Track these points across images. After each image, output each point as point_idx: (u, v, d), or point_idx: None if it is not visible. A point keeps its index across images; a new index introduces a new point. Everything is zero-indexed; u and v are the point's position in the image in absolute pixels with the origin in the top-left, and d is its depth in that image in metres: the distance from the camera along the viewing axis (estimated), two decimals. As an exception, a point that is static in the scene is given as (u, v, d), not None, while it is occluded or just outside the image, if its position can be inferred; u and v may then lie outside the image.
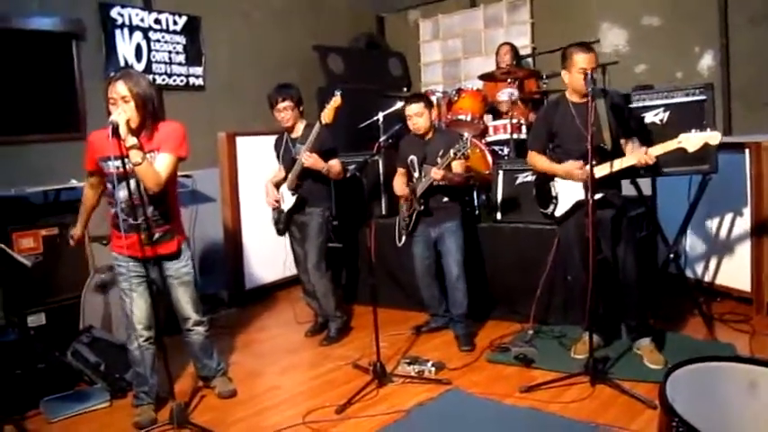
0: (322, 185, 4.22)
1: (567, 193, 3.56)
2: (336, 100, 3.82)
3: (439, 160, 3.82)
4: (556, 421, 3.00)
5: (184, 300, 3.34)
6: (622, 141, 3.51)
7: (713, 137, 3.15)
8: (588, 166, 3.21)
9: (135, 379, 3.36)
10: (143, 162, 2.89)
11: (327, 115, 3.84)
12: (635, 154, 3.35)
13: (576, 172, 3.43)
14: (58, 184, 4.40)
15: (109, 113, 2.88)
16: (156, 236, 3.12)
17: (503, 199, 4.62)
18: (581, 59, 3.34)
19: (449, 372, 3.68)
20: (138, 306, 3.15)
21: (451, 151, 3.68)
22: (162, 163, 3.01)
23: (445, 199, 4.02)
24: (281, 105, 4.09)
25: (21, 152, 4.51)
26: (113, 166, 2.91)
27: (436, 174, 3.78)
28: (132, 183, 2.92)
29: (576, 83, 3.37)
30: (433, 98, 5.28)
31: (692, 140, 3.16)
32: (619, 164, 3.36)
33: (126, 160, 2.82)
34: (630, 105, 3.94)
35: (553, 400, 3.20)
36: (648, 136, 3.70)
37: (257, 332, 4.75)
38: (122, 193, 2.97)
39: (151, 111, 3.01)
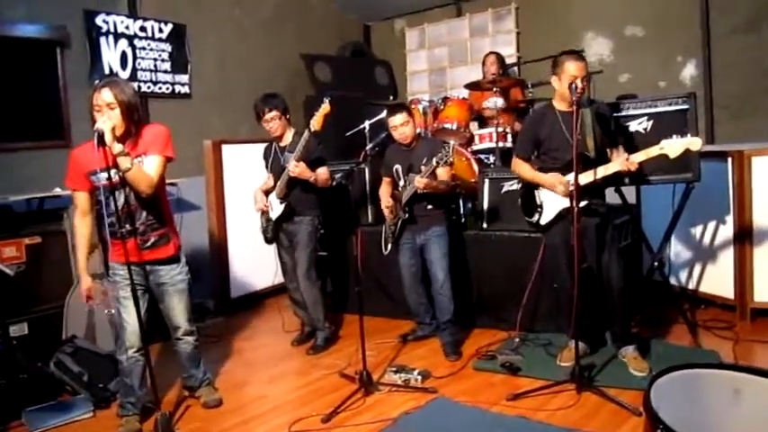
0: (311, 194, 4.21)
1: (552, 202, 3.58)
2: (325, 107, 3.82)
3: (423, 168, 3.83)
4: (542, 429, 3.00)
5: (178, 308, 3.32)
6: (608, 151, 3.54)
7: (694, 142, 3.19)
8: (573, 175, 3.23)
9: (122, 389, 3.32)
10: (132, 167, 2.88)
11: (317, 122, 3.84)
12: (617, 161, 3.39)
13: (559, 188, 3.46)
14: (42, 192, 4.36)
15: (93, 122, 2.88)
16: (153, 240, 3.14)
17: (489, 207, 4.63)
18: (572, 68, 3.37)
19: (435, 380, 3.68)
20: (132, 315, 3.08)
21: (434, 160, 3.69)
22: (151, 165, 3.01)
23: (429, 206, 4.03)
24: (267, 116, 4.09)
25: (3, 160, 4.47)
26: (105, 177, 2.88)
27: (419, 183, 3.80)
28: (122, 191, 2.93)
29: (565, 90, 3.39)
30: (420, 107, 5.31)
31: (673, 146, 3.20)
32: (603, 171, 3.39)
33: (114, 171, 2.83)
34: (616, 115, 3.97)
35: (540, 408, 3.20)
36: (633, 145, 3.73)
37: (244, 341, 4.73)
38: (113, 204, 2.90)
39: (136, 117, 3.01)
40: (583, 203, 3.35)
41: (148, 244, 3.13)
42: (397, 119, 4.01)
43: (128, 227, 2.97)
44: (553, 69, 3.51)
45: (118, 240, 2.97)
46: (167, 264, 3.23)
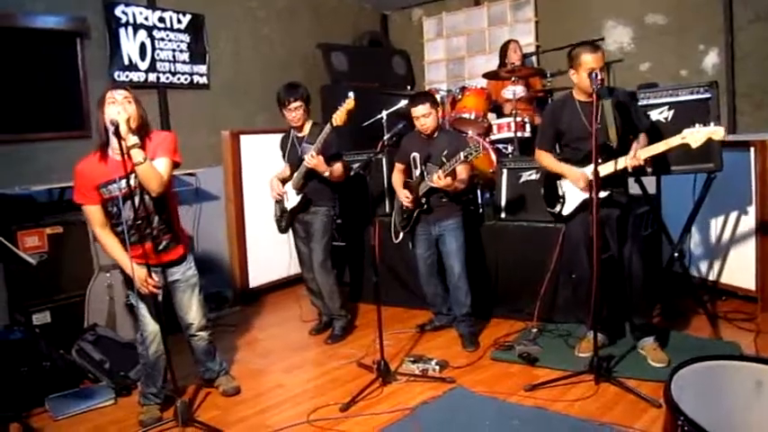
0: (327, 185, 4.21)
1: (574, 193, 3.56)
2: (350, 103, 3.81)
3: (443, 160, 3.80)
4: (560, 420, 3.00)
5: (190, 303, 3.35)
6: (632, 138, 3.49)
7: (717, 132, 3.12)
8: (593, 166, 3.20)
9: (144, 379, 3.36)
10: (145, 161, 2.88)
11: (339, 118, 3.83)
12: (624, 158, 3.34)
13: (581, 183, 3.44)
14: (63, 182, 4.40)
15: (105, 127, 2.88)
16: (164, 243, 3.17)
17: (507, 197, 4.61)
18: (589, 59, 3.32)
19: (453, 370, 3.68)
20: (150, 311, 3.16)
21: (462, 154, 3.62)
22: (161, 165, 3.00)
23: (445, 198, 3.99)
24: (292, 105, 4.09)
25: (25, 151, 4.52)
26: (117, 187, 2.93)
27: (438, 182, 3.76)
28: (137, 197, 2.96)
29: (584, 83, 3.35)
30: (437, 96, 5.28)
31: (695, 136, 3.13)
32: (611, 166, 3.36)
33: (130, 177, 2.87)
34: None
35: (557, 399, 3.20)
36: (657, 132, 3.67)
37: (261, 330, 4.76)
38: (128, 212, 2.96)
39: (145, 122, 3.04)
40: (604, 194, 3.33)
41: (161, 247, 3.16)
42: (420, 109, 3.94)
43: (140, 234, 3.01)
44: (570, 63, 3.46)
45: (136, 245, 3.01)
46: (176, 264, 3.27)
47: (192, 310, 3.36)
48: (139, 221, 3.01)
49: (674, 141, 3.22)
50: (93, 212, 3.05)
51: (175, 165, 3.11)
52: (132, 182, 2.91)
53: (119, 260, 3.09)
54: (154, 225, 3.10)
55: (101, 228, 3.08)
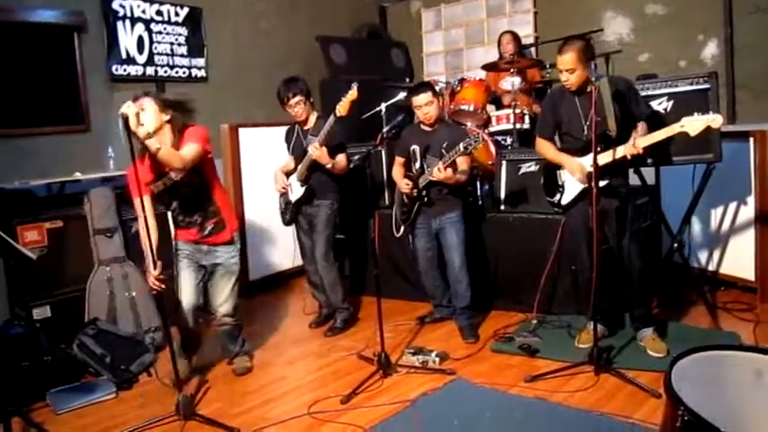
0: (331, 178, 4.20)
1: (574, 182, 3.56)
2: (353, 93, 3.80)
3: (443, 152, 3.79)
4: (560, 410, 3.01)
5: (225, 289, 3.56)
6: (634, 127, 3.48)
7: (715, 120, 3.12)
8: (590, 157, 3.20)
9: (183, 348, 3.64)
10: (162, 147, 3.01)
11: (343, 108, 3.82)
12: (623, 147, 3.33)
13: (578, 175, 3.45)
14: (62, 176, 4.41)
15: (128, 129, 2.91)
16: (209, 228, 3.44)
17: (506, 189, 4.61)
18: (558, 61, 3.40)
19: (453, 362, 3.69)
20: (187, 287, 3.47)
21: (462, 145, 3.61)
22: (187, 149, 3.20)
23: (446, 191, 3.96)
24: (292, 101, 4.07)
25: (24, 145, 4.52)
26: (162, 184, 3.30)
27: (438, 175, 3.73)
28: (176, 191, 3.33)
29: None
30: (436, 88, 5.26)
31: (694, 124, 3.14)
32: (610, 156, 3.35)
33: (167, 177, 3.25)
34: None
35: (558, 390, 3.21)
36: (659, 121, 3.66)
37: (262, 323, 4.76)
38: (175, 202, 3.39)
39: (172, 116, 3.25)
40: (603, 183, 3.33)
41: (206, 232, 3.43)
42: (421, 98, 3.91)
43: (187, 219, 3.41)
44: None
45: (183, 228, 3.46)
46: (224, 246, 3.51)
47: (225, 295, 3.56)
48: (187, 208, 3.39)
49: (673, 129, 3.22)
50: (142, 202, 3.19)
51: (206, 152, 3.30)
52: (172, 176, 3.25)
53: (152, 247, 3.25)
54: (198, 213, 3.40)
55: (150, 217, 3.32)
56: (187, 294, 3.47)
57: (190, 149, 3.20)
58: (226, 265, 3.53)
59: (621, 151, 3.33)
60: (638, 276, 3.55)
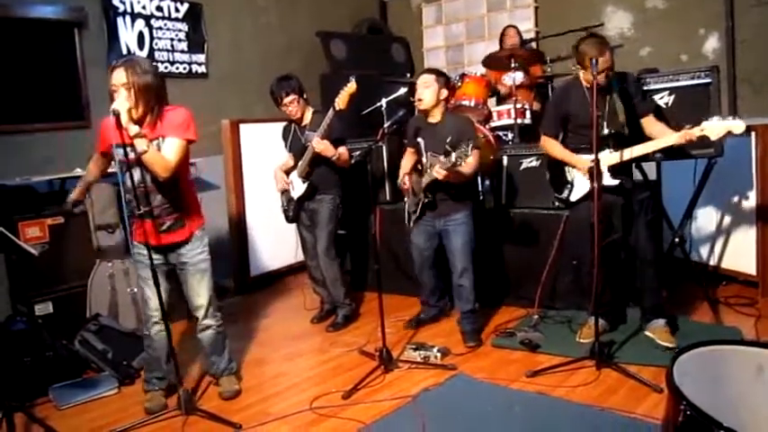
0: (332, 172, 4.20)
1: (583, 179, 3.54)
2: (351, 86, 3.80)
3: (448, 148, 3.55)
4: (562, 405, 3.01)
5: (198, 288, 3.23)
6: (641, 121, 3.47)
7: (737, 126, 3.08)
8: (603, 154, 3.19)
9: (147, 364, 3.36)
10: (149, 150, 2.85)
11: (342, 101, 3.82)
12: (676, 134, 3.25)
13: (588, 175, 3.41)
14: (63, 172, 4.41)
15: (112, 101, 2.84)
16: (168, 224, 3.10)
17: (507, 184, 4.61)
18: (594, 52, 3.25)
19: (454, 357, 3.69)
20: (153, 292, 3.05)
21: (453, 156, 3.37)
22: (170, 148, 2.95)
23: (452, 191, 3.77)
24: (286, 100, 4.05)
25: (25, 141, 4.51)
26: (122, 153, 2.88)
27: (439, 174, 3.54)
28: (138, 171, 2.89)
29: (590, 78, 3.29)
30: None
31: (714, 129, 3.11)
32: (653, 145, 3.33)
33: (130, 149, 2.81)
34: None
35: (559, 385, 3.21)
36: (662, 115, 3.65)
37: (263, 320, 4.77)
38: (129, 182, 2.89)
39: (155, 98, 2.95)
40: (615, 182, 3.33)
41: (164, 227, 3.10)
42: (422, 78, 3.74)
43: (143, 208, 2.94)
44: (577, 59, 3.41)
45: (137, 220, 3.01)
46: (182, 245, 3.18)
47: (199, 295, 3.24)
48: (142, 194, 2.95)
49: (693, 133, 3.18)
50: (103, 157, 3.20)
51: (190, 142, 3.03)
52: (130, 154, 2.85)
53: (81, 181, 3.37)
54: (156, 203, 3.03)
55: (94, 162, 3.31)
56: (152, 300, 3.12)
57: (174, 151, 2.95)
58: (192, 263, 3.19)
59: (671, 140, 3.26)
60: (650, 266, 3.53)
